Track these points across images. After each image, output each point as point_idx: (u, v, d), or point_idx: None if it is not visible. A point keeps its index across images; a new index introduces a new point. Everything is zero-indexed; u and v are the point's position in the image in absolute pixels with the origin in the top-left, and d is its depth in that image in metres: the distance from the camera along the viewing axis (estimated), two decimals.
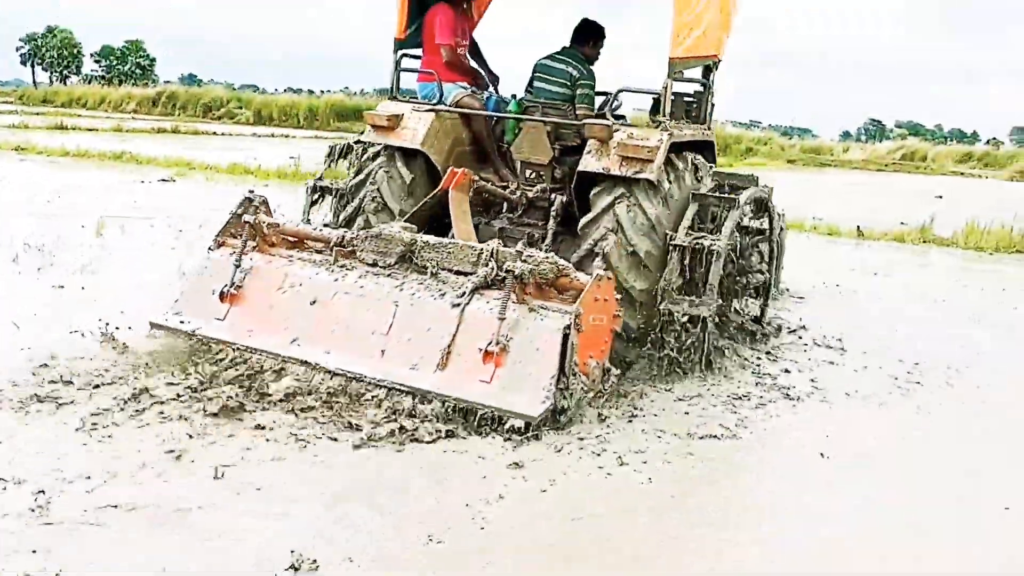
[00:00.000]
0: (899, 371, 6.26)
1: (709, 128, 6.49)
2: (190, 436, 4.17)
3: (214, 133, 30.80)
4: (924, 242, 13.54)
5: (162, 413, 4.40)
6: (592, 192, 5.75)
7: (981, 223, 13.95)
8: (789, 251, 8.79)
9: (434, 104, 6.31)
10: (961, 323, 8.02)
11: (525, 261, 4.77)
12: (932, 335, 7.41)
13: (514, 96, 6.65)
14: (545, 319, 4.64)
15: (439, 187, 5.84)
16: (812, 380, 5.86)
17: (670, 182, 5.74)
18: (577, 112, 6.30)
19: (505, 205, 6.43)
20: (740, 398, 5.34)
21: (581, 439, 4.53)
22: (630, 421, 4.88)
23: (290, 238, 5.52)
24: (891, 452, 4.75)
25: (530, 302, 4.73)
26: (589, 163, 5.71)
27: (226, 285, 5.23)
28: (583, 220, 5.73)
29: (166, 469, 3.84)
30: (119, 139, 23.69)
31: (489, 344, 4.58)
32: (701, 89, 6.45)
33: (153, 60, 79.99)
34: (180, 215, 10.55)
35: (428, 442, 4.33)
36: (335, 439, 4.27)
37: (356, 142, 6.65)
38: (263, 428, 4.32)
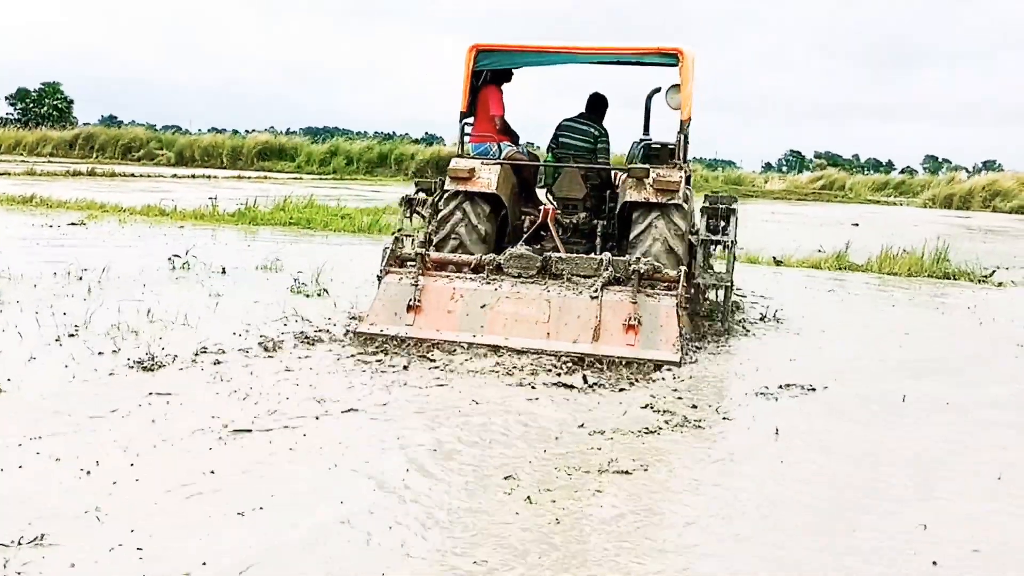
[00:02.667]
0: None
1: (688, 166, 8.67)
2: None
3: (132, 175, 30.15)
4: (840, 268, 13.81)
5: None
6: (635, 215, 7.95)
7: (895, 249, 14.31)
8: None
9: (496, 159, 8.50)
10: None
11: (640, 264, 7.03)
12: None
13: (550, 148, 8.88)
14: (661, 300, 6.92)
15: (540, 220, 8.26)
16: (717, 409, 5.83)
17: (686, 203, 7.98)
18: (599, 159, 8.66)
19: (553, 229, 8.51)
20: (651, 432, 5.27)
21: (489, 476, 4.43)
22: (544, 451, 4.81)
23: (437, 264, 7.45)
24: (798, 492, 4.71)
25: (644, 291, 6.93)
26: (632, 195, 7.89)
27: (411, 300, 7.03)
28: (634, 231, 7.87)
29: None
30: (31, 183, 23.00)
31: (628, 320, 6.76)
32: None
33: (71, 102, 78.04)
34: (84, 260, 10.18)
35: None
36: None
37: (417, 193, 8.62)
38: None
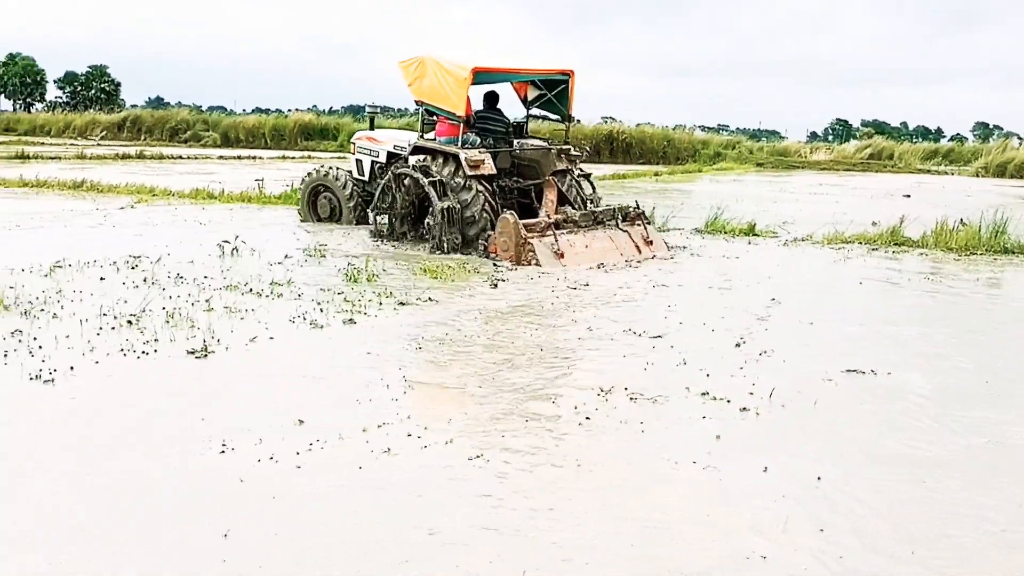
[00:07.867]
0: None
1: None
2: None
3: (179, 157, 30.46)
4: (895, 244, 13.47)
5: None
6: (561, 178, 12.28)
7: (950, 222, 13.90)
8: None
9: (475, 146, 11.56)
10: None
11: (636, 210, 11.88)
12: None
13: (473, 131, 11.88)
14: (648, 227, 11.89)
15: (550, 189, 11.94)
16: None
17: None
18: (512, 141, 12.47)
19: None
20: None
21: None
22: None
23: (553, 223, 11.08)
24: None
25: (638, 223, 11.80)
26: (558, 165, 12.24)
27: (556, 250, 10.53)
28: (563, 188, 12.27)
29: None
30: (81, 167, 23.33)
31: (646, 239, 11.59)
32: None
33: (118, 84, 79.17)
34: (136, 247, 10.28)
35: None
36: None
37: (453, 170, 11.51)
38: None
